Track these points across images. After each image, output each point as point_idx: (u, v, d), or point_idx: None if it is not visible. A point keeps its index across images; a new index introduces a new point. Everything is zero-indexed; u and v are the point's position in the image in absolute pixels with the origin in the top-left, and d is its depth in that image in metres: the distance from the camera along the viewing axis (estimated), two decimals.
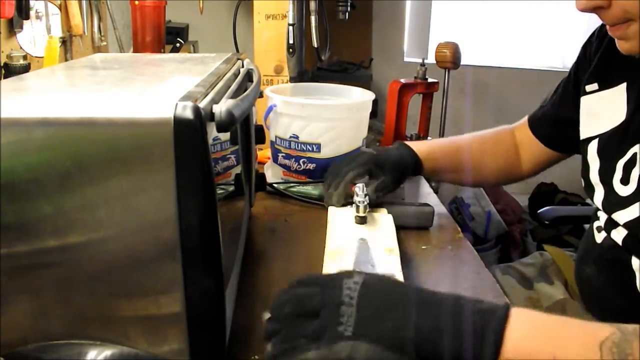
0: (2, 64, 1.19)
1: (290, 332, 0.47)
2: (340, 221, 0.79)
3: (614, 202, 0.73)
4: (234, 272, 0.64)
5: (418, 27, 2.47)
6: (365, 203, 0.77)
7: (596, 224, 0.81)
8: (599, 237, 0.78)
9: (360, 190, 0.79)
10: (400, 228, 0.85)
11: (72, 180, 0.43)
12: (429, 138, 1.41)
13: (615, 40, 0.65)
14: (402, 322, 0.44)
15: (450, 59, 1.52)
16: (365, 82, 2.02)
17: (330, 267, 0.65)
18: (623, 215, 0.70)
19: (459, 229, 0.93)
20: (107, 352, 0.47)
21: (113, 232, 0.44)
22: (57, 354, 0.46)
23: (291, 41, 1.31)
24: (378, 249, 0.70)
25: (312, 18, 1.35)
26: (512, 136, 1.00)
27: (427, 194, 1.12)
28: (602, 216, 0.79)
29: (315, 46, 1.38)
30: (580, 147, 0.82)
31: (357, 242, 0.71)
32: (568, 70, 0.91)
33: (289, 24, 1.30)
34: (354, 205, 0.80)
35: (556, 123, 0.91)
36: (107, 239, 0.44)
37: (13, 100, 0.46)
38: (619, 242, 0.73)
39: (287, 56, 1.33)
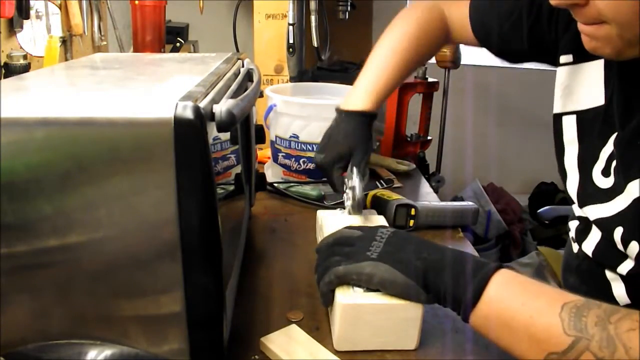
0: (2, 64, 1.19)
1: (328, 254, 0.63)
2: (331, 222, 0.77)
3: (590, 194, 0.68)
4: (234, 271, 0.64)
5: None
6: (357, 189, 0.78)
7: (570, 234, 0.77)
8: (575, 247, 0.75)
9: (350, 183, 0.79)
10: (438, 228, 0.88)
11: (72, 180, 0.43)
12: (429, 138, 1.41)
13: (581, 35, 0.60)
14: (415, 256, 0.58)
15: (451, 58, 1.52)
16: None
17: None
18: (597, 211, 0.66)
19: (459, 228, 0.93)
20: (107, 351, 0.47)
21: (113, 232, 0.44)
22: (57, 353, 0.46)
23: (291, 41, 1.31)
24: None
25: (312, 18, 1.35)
26: (442, 18, 0.95)
27: (426, 193, 1.13)
28: (573, 225, 0.75)
29: (316, 46, 1.38)
30: (553, 121, 0.76)
31: None
32: None
33: (289, 24, 1.30)
34: (344, 200, 0.80)
35: (498, 35, 0.85)
36: (107, 239, 0.44)
37: (13, 100, 0.47)
38: (589, 254, 0.70)
39: (287, 56, 1.33)
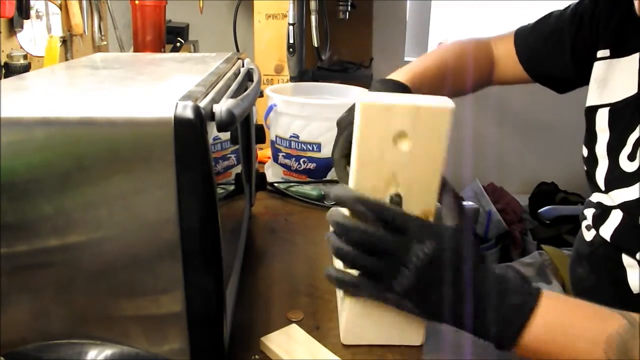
0: (2, 64, 1.19)
1: (351, 258, 0.51)
2: None
3: (617, 178, 0.70)
4: (234, 271, 0.64)
5: (418, 26, 2.47)
6: None
7: (584, 223, 0.79)
8: (589, 235, 0.77)
9: None
10: None
11: (73, 180, 0.43)
12: None
13: (635, 2, 0.63)
14: (448, 297, 0.50)
15: None
16: (365, 82, 2.01)
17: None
18: (622, 195, 0.68)
19: None
20: (108, 351, 0.47)
21: (113, 231, 0.44)
22: (57, 353, 0.46)
23: (291, 41, 1.31)
24: None
25: (313, 18, 1.35)
26: (490, 50, 0.97)
27: None
28: (589, 212, 0.77)
29: (316, 46, 1.38)
30: (585, 114, 0.79)
31: None
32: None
33: (289, 24, 1.30)
34: None
35: (542, 55, 0.88)
36: (107, 239, 0.44)
37: (13, 100, 0.47)
38: (607, 238, 0.71)
39: (287, 56, 1.33)
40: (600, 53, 0.77)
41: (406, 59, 2.46)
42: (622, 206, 0.68)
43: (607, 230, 0.71)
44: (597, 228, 0.74)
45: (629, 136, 0.70)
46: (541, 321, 0.49)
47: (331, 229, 0.53)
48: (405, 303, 0.51)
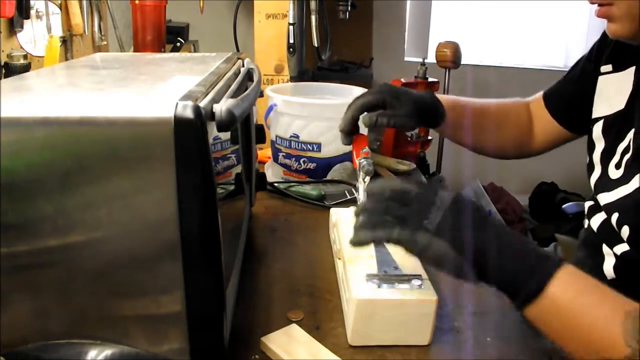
0: (2, 64, 1.19)
1: (382, 209, 0.56)
2: (346, 219, 0.77)
3: (603, 184, 0.75)
4: (235, 271, 0.64)
5: (418, 26, 2.47)
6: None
7: (586, 211, 0.85)
8: (586, 223, 0.83)
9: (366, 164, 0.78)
10: None
11: (73, 179, 0.43)
12: (429, 138, 1.41)
13: (606, 24, 0.67)
14: (475, 234, 0.54)
15: (451, 58, 1.52)
16: (365, 82, 2.02)
17: (354, 271, 0.64)
18: (606, 197, 0.73)
19: None
20: (108, 351, 0.47)
21: (113, 231, 0.44)
22: (57, 353, 0.46)
23: (291, 40, 1.31)
24: (395, 250, 0.69)
25: (313, 17, 1.35)
26: (528, 109, 0.99)
27: None
28: (587, 204, 0.82)
29: (316, 45, 1.38)
30: (590, 125, 0.83)
31: (374, 244, 0.70)
32: (568, 69, 0.91)
33: (290, 24, 1.30)
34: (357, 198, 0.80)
35: (570, 100, 0.90)
36: (107, 239, 0.44)
37: (13, 100, 0.47)
38: (595, 229, 0.77)
39: (287, 55, 1.33)
40: (603, 68, 0.81)
41: (406, 59, 2.47)
42: (604, 207, 0.74)
43: (595, 223, 0.78)
44: (589, 219, 0.81)
45: (618, 146, 0.75)
46: (567, 277, 0.52)
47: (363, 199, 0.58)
48: (437, 241, 0.53)
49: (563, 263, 0.53)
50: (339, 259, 0.72)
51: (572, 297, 0.52)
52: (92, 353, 0.47)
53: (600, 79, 0.82)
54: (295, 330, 0.62)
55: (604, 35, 0.85)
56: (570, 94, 0.91)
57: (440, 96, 0.90)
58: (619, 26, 0.66)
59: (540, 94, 0.98)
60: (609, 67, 0.80)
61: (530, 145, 0.99)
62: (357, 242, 0.58)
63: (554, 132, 0.95)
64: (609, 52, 0.81)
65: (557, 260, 0.54)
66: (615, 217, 0.70)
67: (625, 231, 0.68)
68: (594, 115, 0.82)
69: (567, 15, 2.49)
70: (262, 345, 0.60)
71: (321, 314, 0.66)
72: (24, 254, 0.44)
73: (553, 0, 2.44)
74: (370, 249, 0.67)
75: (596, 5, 0.68)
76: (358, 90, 1.17)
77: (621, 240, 0.70)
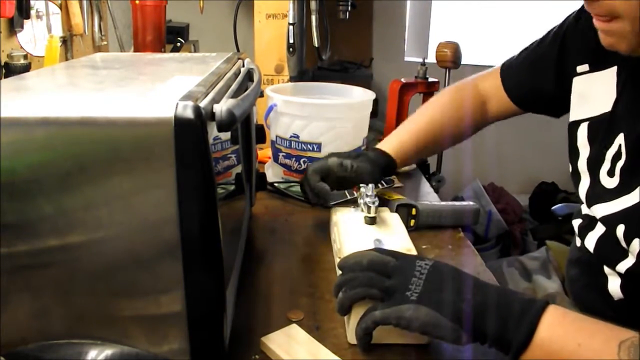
0: (2, 64, 1.19)
1: (366, 281, 0.58)
2: (349, 224, 0.77)
3: (597, 194, 0.71)
4: (235, 271, 0.64)
5: (418, 26, 2.47)
6: (376, 204, 0.76)
7: (575, 229, 0.80)
8: (578, 241, 0.78)
9: (368, 191, 0.78)
10: (438, 228, 0.88)
11: (73, 180, 0.43)
12: None
13: (598, 32, 0.63)
14: (457, 297, 0.55)
15: (451, 58, 1.52)
16: (365, 82, 2.01)
17: None
18: (602, 209, 0.69)
19: (460, 228, 0.93)
20: (108, 351, 0.47)
21: (114, 231, 0.44)
22: (57, 353, 0.46)
23: (292, 40, 1.31)
24: (395, 249, 0.69)
25: (313, 17, 1.35)
26: (475, 90, 0.98)
27: (427, 193, 1.13)
28: (576, 223, 0.78)
29: (316, 45, 1.37)
30: (568, 129, 0.79)
31: (373, 243, 0.70)
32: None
33: (290, 24, 1.30)
34: (360, 205, 0.78)
35: (533, 90, 0.89)
36: (107, 239, 0.44)
37: (13, 100, 0.47)
38: (591, 249, 0.73)
39: (287, 55, 1.33)
40: (579, 68, 0.78)
41: (406, 59, 2.46)
42: (603, 220, 0.70)
43: (590, 242, 0.74)
44: (582, 239, 0.76)
45: (607, 152, 0.71)
46: (552, 320, 0.52)
47: (339, 273, 0.63)
48: (422, 309, 0.54)
49: (547, 305, 0.53)
50: (339, 258, 0.72)
51: (561, 338, 0.51)
52: (92, 353, 0.47)
53: (577, 79, 0.78)
54: (295, 330, 0.62)
55: (575, 21, 0.82)
56: (532, 83, 0.89)
57: (386, 145, 0.91)
58: (620, 41, 0.61)
59: (496, 69, 0.96)
60: (585, 67, 0.76)
61: (486, 121, 0.99)
62: (360, 345, 0.60)
63: (508, 109, 0.94)
64: (584, 49, 0.77)
65: (541, 303, 0.53)
66: (621, 229, 0.65)
67: (635, 244, 0.64)
68: (574, 118, 0.78)
69: (567, 15, 2.49)
70: (262, 345, 0.60)
71: (321, 314, 0.66)
72: (24, 254, 0.44)
73: (553, 0, 2.44)
74: (370, 247, 0.67)
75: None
76: (358, 90, 1.17)
77: (625, 256, 0.66)
